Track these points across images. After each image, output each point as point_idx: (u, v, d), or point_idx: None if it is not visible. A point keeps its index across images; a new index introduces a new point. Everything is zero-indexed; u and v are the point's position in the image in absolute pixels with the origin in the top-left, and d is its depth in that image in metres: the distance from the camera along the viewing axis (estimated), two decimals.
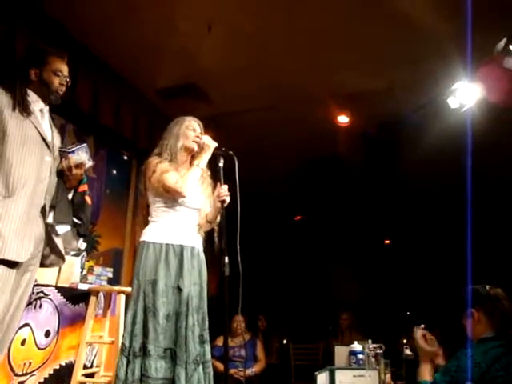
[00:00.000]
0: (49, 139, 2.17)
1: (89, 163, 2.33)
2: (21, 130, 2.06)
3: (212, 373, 2.39)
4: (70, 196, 2.39)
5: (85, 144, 2.34)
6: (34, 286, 2.93)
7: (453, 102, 4.27)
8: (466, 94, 4.20)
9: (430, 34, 3.60)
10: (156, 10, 3.65)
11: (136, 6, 3.60)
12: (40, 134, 2.12)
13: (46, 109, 2.24)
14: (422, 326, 2.50)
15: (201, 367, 2.30)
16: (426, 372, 2.30)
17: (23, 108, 2.08)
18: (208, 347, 2.40)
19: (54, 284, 3.22)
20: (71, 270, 3.42)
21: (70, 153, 2.26)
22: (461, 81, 4.12)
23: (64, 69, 2.26)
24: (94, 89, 4.22)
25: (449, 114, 4.31)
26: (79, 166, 2.27)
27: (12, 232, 1.93)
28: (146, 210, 2.53)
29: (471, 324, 2.20)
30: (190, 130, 2.56)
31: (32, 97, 2.17)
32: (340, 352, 3.43)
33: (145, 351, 2.20)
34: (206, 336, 2.40)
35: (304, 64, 4.21)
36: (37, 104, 2.18)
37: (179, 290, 2.30)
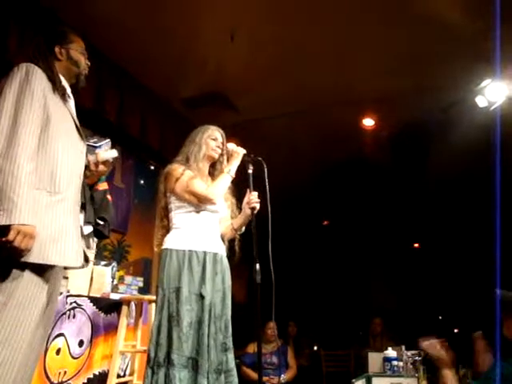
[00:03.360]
0: (80, 129, 1.95)
1: (113, 160, 2.19)
2: (61, 117, 1.83)
3: (236, 382, 2.34)
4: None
5: (108, 139, 2.23)
6: (68, 296, 2.97)
7: (481, 100, 4.19)
8: (494, 92, 4.11)
9: (457, 33, 3.55)
10: (179, 21, 3.69)
11: (160, 17, 3.64)
12: (75, 123, 1.92)
13: (71, 94, 2.00)
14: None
15: (223, 376, 2.27)
16: (450, 379, 2.22)
17: (63, 92, 1.86)
18: (231, 355, 2.36)
19: (86, 294, 3.25)
20: (103, 281, 3.46)
21: (96, 147, 2.13)
22: (489, 79, 4.04)
23: (85, 47, 2.05)
24: (120, 100, 4.29)
25: (477, 112, 4.22)
26: (106, 162, 2.14)
27: (67, 235, 1.75)
28: (165, 215, 2.52)
29: None
30: (212, 140, 2.56)
31: (62, 80, 1.93)
32: (373, 358, 3.37)
33: (169, 360, 2.18)
34: (229, 344, 2.37)
35: (328, 68, 4.19)
36: (67, 88, 1.94)
37: (201, 297, 2.28)
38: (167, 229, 2.50)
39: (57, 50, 1.95)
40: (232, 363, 2.36)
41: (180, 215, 2.45)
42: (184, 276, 2.30)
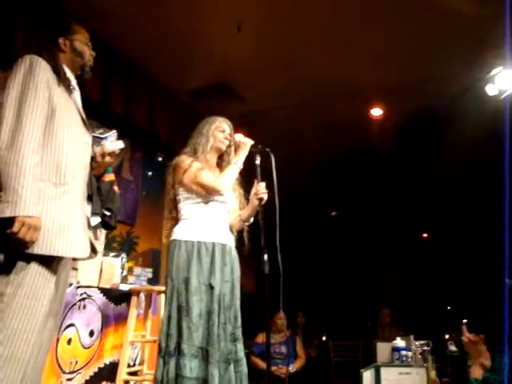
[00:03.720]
0: (86, 120, 1.95)
1: (119, 151, 2.20)
2: (66, 109, 1.82)
3: (245, 371, 2.36)
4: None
5: (115, 130, 2.24)
6: (78, 287, 3.00)
7: (491, 89, 4.14)
8: (505, 81, 4.06)
9: (467, 20, 3.51)
10: (186, 13, 3.68)
11: (166, 9, 3.63)
12: (80, 114, 1.91)
13: (77, 86, 1.99)
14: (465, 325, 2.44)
15: (232, 366, 2.28)
16: (476, 370, 2.22)
17: (67, 84, 1.85)
18: (240, 345, 2.38)
19: (96, 285, 3.28)
20: (112, 272, 3.49)
21: (103, 138, 2.14)
22: (500, 67, 3.99)
23: (89, 38, 2.04)
24: (127, 92, 4.30)
25: (488, 101, 4.18)
26: (112, 153, 2.14)
27: (74, 226, 1.75)
28: (174, 206, 2.52)
29: None
30: (219, 131, 2.55)
31: (67, 71, 1.92)
32: (382, 348, 3.36)
33: (179, 350, 2.20)
34: (239, 334, 2.38)
35: (334, 58, 4.17)
36: (71, 80, 1.94)
37: (211, 287, 2.29)
38: (176, 220, 2.50)
39: (61, 41, 1.94)
40: (241, 353, 2.37)
41: (188, 206, 2.46)
42: (193, 267, 2.31)
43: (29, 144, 1.65)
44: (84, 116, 1.94)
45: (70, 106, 1.86)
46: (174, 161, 2.54)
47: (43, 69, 1.77)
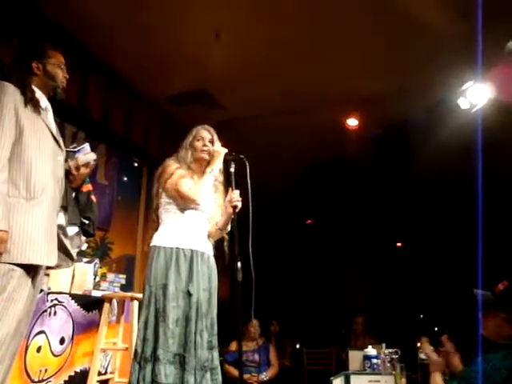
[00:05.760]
0: (58, 138, 2.09)
1: (94, 162, 2.34)
2: (35, 128, 1.96)
3: (220, 380, 2.38)
4: (73, 196, 2.41)
5: (87, 143, 2.36)
6: (49, 293, 2.95)
7: (463, 102, 4.24)
8: (476, 95, 4.16)
9: (440, 35, 3.59)
10: (164, 19, 3.68)
11: (146, 14, 3.63)
12: (51, 132, 2.04)
13: (49, 106, 2.13)
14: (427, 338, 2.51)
15: (209, 374, 2.30)
16: (437, 381, 2.27)
17: (35, 105, 1.97)
18: (216, 353, 2.40)
19: (67, 291, 3.23)
20: (84, 278, 3.44)
21: (76, 152, 2.28)
22: (471, 81, 4.09)
23: (64, 62, 2.17)
24: (105, 97, 4.27)
25: (459, 114, 4.27)
26: (86, 165, 2.27)
27: (42, 236, 1.87)
28: (156, 213, 2.55)
29: (496, 325, 2.13)
30: (198, 141, 2.58)
31: (37, 93, 2.05)
32: (354, 356, 3.40)
33: (155, 356, 2.21)
34: (215, 342, 2.41)
35: (314, 68, 4.22)
36: (42, 101, 2.07)
37: (189, 294, 2.31)
38: (158, 227, 2.53)
39: (34, 65, 2.07)
40: (217, 361, 2.40)
41: (169, 212, 2.49)
42: (171, 273, 2.33)
43: None
44: (56, 134, 2.07)
45: (38, 125, 1.99)
46: (160, 166, 2.57)
47: (10, 94, 1.90)
